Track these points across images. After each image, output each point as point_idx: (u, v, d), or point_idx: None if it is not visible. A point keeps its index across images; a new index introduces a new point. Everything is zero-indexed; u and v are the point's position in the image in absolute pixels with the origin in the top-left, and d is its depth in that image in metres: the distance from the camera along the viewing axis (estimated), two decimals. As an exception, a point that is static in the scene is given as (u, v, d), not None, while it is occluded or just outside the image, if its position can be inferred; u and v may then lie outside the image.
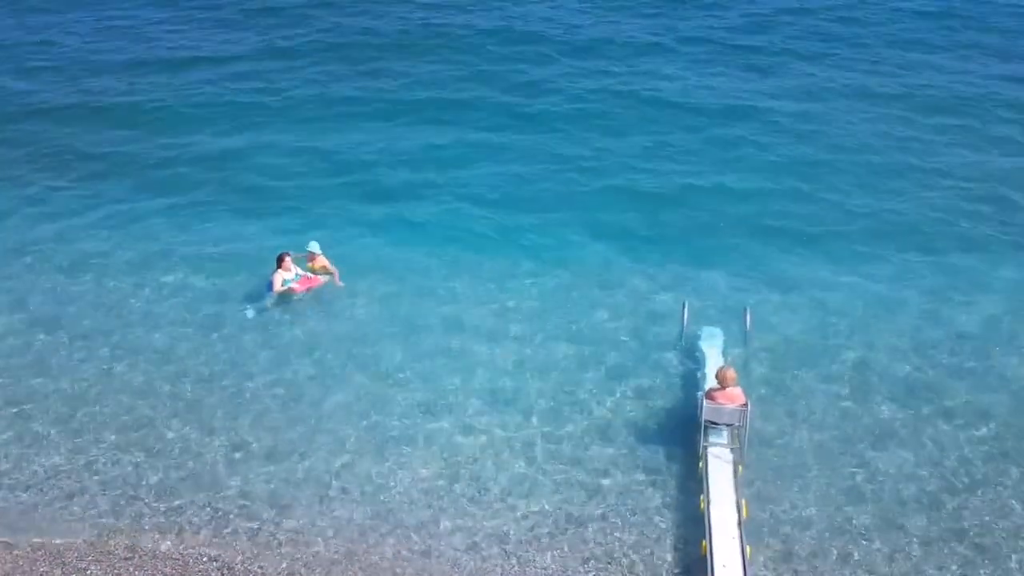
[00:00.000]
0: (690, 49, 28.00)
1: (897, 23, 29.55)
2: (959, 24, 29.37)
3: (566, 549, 12.42)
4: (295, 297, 17.05)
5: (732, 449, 13.77)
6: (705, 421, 13.79)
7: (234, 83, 26.15)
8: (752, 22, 30.11)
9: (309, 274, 17.49)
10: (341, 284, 17.49)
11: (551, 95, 25.28)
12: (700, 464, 13.42)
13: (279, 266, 17.08)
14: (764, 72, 26.61)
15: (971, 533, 12.54)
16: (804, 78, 26.20)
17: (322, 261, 17.59)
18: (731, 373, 13.85)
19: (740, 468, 13.29)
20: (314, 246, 17.63)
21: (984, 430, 14.24)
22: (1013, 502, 12.99)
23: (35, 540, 12.35)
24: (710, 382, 14.23)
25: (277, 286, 17.03)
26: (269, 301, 16.99)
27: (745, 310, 16.22)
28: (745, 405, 13.63)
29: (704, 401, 13.80)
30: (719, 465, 13.34)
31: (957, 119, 23.61)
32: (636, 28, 29.46)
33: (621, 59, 27.47)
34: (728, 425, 13.88)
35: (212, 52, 28.02)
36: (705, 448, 13.73)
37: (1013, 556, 12.18)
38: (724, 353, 15.55)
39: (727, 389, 13.76)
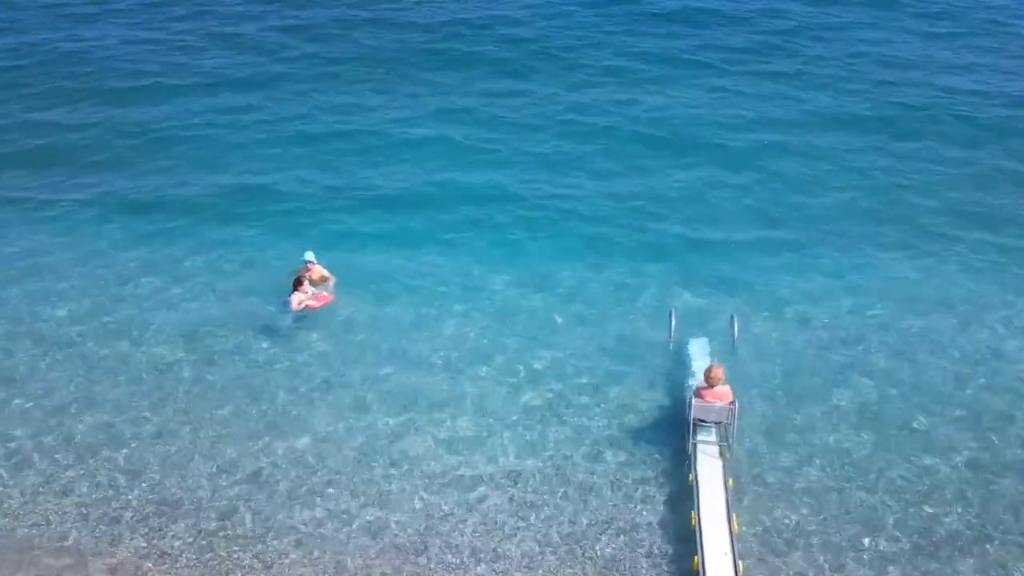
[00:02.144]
0: (689, 65, 26.62)
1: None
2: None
3: (556, 567, 11.65)
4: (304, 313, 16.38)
5: (720, 446, 13.21)
6: (694, 419, 13.18)
7: (224, 97, 24.90)
8: (746, 42, 28.71)
9: (322, 292, 16.75)
10: (331, 288, 16.76)
11: (545, 108, 24.07)
12: (690, 476, 12.63)
13: (296, 288, 16.31)
14: (757, 88, 25.16)
15: (967, 547, 11.77)
16: (801, 91, 24.85)
17: (319, 271, 16.85)
18: (719, 372, 13.26)
19: (731, 481, 12.51)
20: (310, 255, 16.85)
21: (981, 435, 13.44)
22: (1006, 514, 12.21)
23: (13, 562, 11.66)
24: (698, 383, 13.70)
25: (295, 306, 16.28)
26: (288, 321, 16.22)
27: (732, 317, 15.35)
28: (733, 403, 13.07)
29: (692, 399, 13.22)
30: (710, 477, 12.53)
31: (944, 136, 22.48)
32: (637, 48, 28.06)
33: (616, 74, 26.27)
34: (716, 423, 13.31)
35: (199, 67, 26.68)
36: (694, 446, 13.16)
37: (1006, 568, 11.50)
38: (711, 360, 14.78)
39: (715, 387, 13.20)
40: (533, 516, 12.40)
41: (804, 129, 22.67)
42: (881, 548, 11.79)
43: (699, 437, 13.24)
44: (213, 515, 12.37)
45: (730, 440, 13.23)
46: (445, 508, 12.53)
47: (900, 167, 20.84)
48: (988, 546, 11.82)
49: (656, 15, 29.80)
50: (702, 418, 13.23)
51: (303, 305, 16.32)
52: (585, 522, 12.28)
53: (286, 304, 16.22)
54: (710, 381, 13.23)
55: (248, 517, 12.36)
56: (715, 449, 13.16)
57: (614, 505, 12.54)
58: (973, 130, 22.35)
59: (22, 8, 31.60)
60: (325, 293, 16.72)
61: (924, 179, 20.32)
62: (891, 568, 11.53)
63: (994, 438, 13.44)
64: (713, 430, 13.36)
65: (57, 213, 19.58)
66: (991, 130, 22.30)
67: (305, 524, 12.26)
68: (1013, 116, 22.96)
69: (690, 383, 14.21)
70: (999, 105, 23.47)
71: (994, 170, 20.69)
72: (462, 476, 13.05)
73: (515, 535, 12.12)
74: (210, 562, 11.70)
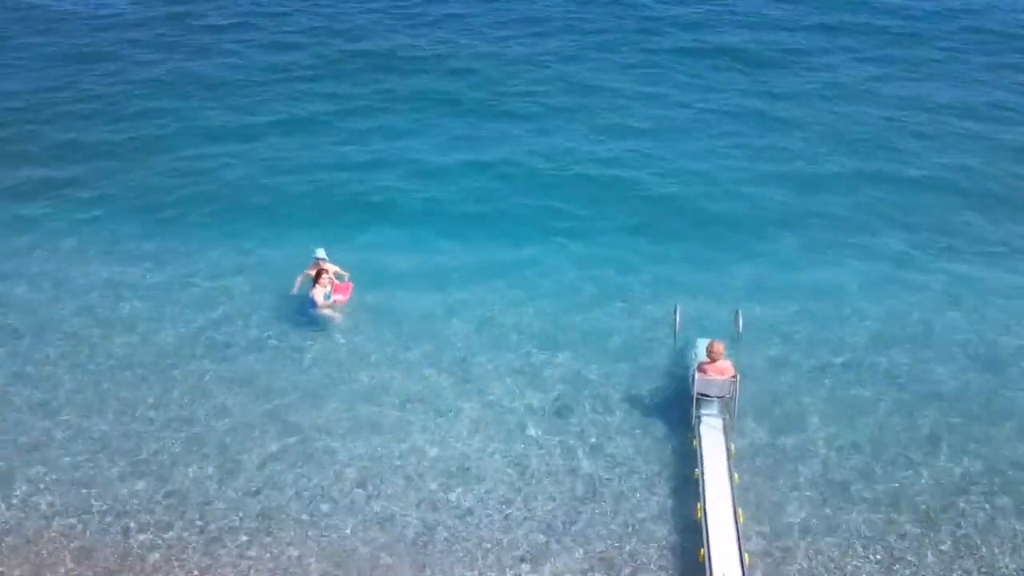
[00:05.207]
0: (685, 55, 25.99)
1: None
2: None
3: (563, 559, 10.82)
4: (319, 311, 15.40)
5: (723, 420, 12.52)
6: (697, 394, 12.59)
7: (226, 100, 24.03)
8: (745, 29, 28.13)
9: (338, 281, 15.74)
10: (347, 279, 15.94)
11: (548, 108, 23.28)
12: (696, 471, 11.76)
13: (316, 282, 15.30)
14: (759, 79, 24.47)
15: (969, 538, 11.05)
16: (803, 82, 24.11)
17: (331, 267, 15.74)
18: (720, 347, 12.64)
19: (736, 476, 11.62)
20: (320, 252, 15.79)
21: (983, 431, 12.69)
22: (1007, 506, 11.50)
23: (19, 556, 10.96)
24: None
25: (320, 301, 15.28)
26: (311, 316, 15.31)
27: (736, 312, 14.46)
28: (735, 377, 12.48)
29: (696, 374, 12.59)
30: (714, 468, 11.68)
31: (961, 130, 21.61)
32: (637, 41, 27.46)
33: (615, 66, 25.56)
34: (719, 397, 12.63)
35: (204, 71, 25.86)
36: (698, 419, 12.51)
37: (1009, 562, 10.78)
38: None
39: (717, 362, 12.60)
40: (539, 508, 11.57)
41: (812, 129, 21.66)
42: (885, 541, 11.02)
43: (702, 411, 12.63)
44: (220, 507, 11.53)
45: (733, 414, 12.61)
46: (452, 499, 11.71)
47: (913, 169, 19.75)
48: (992, 538, 11.09)
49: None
50: (704, 392, 12.58)
51: (331, 300, 15.36)
52: (591, 513, 11.48)
53: (310, 302, 15.27)
54: (712, 356, 12.59)
55: (255, 509, 11.54)
56: (719, 423, 12.50)
57: (620, 496, 11.72)
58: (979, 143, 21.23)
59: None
60: (340, 282, 15.77)
61: (936, 181, 19.28)
62: (895, 562, 10.77)
63: (1007, 437, 12.71)
64: (716, 404, 12.73)
65: (69, 212, 18.85)
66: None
67: (312, 516, 11.45)
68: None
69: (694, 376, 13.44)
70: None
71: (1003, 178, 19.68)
72: (469, 468, 12.22)
73: (521, 526, 11.30)
74: (217, 554, 10.88)
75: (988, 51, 26.01)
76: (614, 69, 25.21)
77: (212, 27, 29.19)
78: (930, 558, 10.84)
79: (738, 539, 10.58)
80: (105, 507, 11.71)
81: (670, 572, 10.70)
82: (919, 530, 11.19)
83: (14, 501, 11.86)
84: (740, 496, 11.38)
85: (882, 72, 24.56)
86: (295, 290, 15.74)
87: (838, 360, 14.18)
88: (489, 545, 11.11)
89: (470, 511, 11.60)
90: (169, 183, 19.93)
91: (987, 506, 11.54)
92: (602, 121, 22.25)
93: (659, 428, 12.90)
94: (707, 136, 21.48)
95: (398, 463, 12.40)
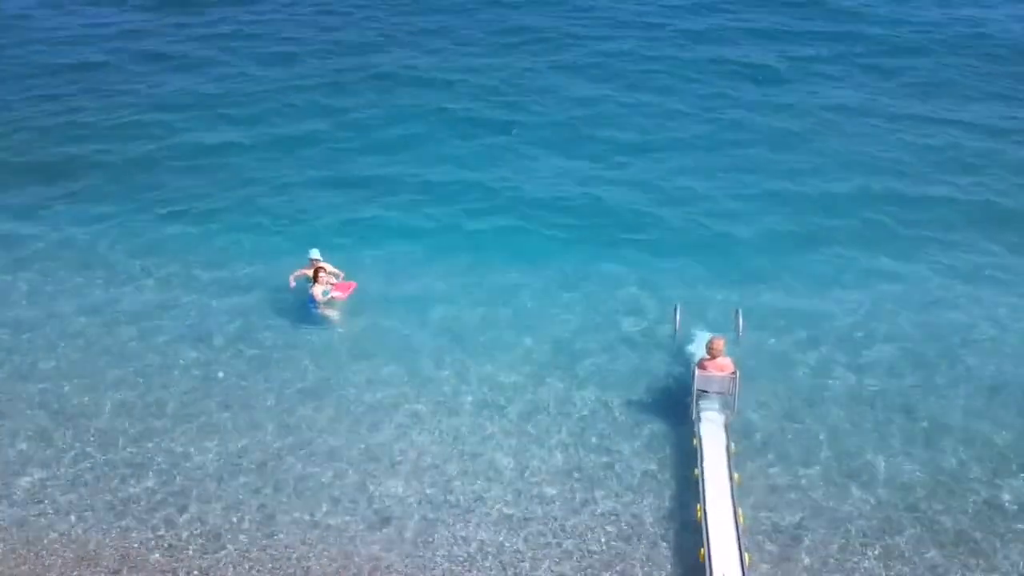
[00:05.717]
0: (687, 68, 25.58)
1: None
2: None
3: (562, 559, 10.69)
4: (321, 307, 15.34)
5: (724, 415, 12.42)
6: (697, 390, 12.47)
7: (223, 113, 23.70)
8: (748, 33, 27.96)
9: (335, 280, 15.59)
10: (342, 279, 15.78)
11: (552, 105, 23.25)
12: (695, 471, 11.60)
13: (315, 280, 15.23)
14: (768, 81, 24.33)
15: (971, 537, 10.91)
16: (808, 96, 23.68)
17: (326, 266, 15.61)
18: (719, 343, 12.54)
19: (737, 476, 11.47)
20: (315, 253, 15.70)
21: (980, 428, 12.53)
22: (1008, 504, 11.34)
23: (19, 556, 10.90)
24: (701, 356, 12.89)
25: (319, 297, 15.20)
26: (310, 314, 15.23)
27: (736, 312, 14.32)
28: (734, 373, 12.36)
29: (696, 371, 12.49)
30: (715, 471, 11.50)
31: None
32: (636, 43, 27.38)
33: (613, 67, 25.47)
34: (719, 393, 12.49)
35: (201, 84, 25.46)
36: (699, 417, 12.37)
37: (1008, 560, 10.65)
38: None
39: (717, 359, 12.50)
40: (539, 509, 11.44)
41: (817, 144, 21.29)
42: (886, 541, 10.88)
43: (702, 408, 12.53)
44: (220, 507, 11.43)
45: (733, 411, 12.50)
46: (451, 500, 11.59)
47: (921, 186, 19.34)
48: (994, 537, 10.96)
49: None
50: (704, 388, 12.48)
51: (328, 296, 15.22)
52: (591, 514, 11.33)
53: (310, 300, 15.18)
54: (712, 352, 12.51)
55: (255, 509, 11.43)
56: (719, 420, 12.38)
57: (620, 497, 11.58)
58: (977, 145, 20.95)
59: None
60: (338, 280, 15.60)
61: (946, 198, 18.88)
62: (895, 561, 10.63)
63: (1004, 431, 12.56)
64: (716, 401, 12.60)
65: (63, 226, 18.55)
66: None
67: (312, 517, 11.34)
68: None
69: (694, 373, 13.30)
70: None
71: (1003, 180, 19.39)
72: (468, 469, 12.09)
73: (521, 528, 11.16)
74: (217, 554, 10.79)
75: (999, 62, 25.53)
76: (615, 82, 24.79)
77: (208, 39, 28.88)
78: (931, 557, 10.72)
79: (738, 539, 10.45)
80: (105, 507, 11.60)
81: (670, 572, 10.59)
82: (919, 529, 11.08)
83: (14, 502, 11.77)
84: (740, 496, 11.25)
85: (889, 85, 24.06)
86: (292, 283, 15.63)
87: (839, 363, 14.00)
88: (489, 546, 10.99)
89: (470, 511, 11.49)
90: (166, 196, 19.67)
91: (988, 505, 11.42)
92: (603, 134, 21.84)
93: (659, 428, 12.76)
94: (709, 150, 21.08)
95: (398, 463, 12.29)
